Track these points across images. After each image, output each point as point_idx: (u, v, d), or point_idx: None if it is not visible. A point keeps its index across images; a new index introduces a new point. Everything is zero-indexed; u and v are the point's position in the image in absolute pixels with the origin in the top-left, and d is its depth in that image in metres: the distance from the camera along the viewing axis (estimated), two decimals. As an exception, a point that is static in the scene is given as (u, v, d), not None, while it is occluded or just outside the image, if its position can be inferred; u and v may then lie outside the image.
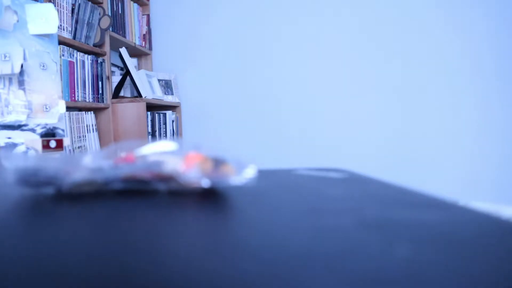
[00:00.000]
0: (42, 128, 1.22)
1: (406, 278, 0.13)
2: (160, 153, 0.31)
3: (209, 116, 2.29)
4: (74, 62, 1.61)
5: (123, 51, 1.93)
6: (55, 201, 0.27)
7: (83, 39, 1.69)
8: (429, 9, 1.97)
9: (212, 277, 0.14)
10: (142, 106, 1.86)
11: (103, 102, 1.82)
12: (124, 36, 2.08)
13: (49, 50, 1.24)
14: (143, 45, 2.28)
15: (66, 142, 1.22)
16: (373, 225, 0.20)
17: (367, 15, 2.05)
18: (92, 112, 1.77)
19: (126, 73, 1.95)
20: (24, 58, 1.16)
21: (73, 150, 1.59)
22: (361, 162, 2.08)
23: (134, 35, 2.18)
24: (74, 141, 1.60)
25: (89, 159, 0.31)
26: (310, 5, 2.12)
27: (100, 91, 1.80)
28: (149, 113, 1.98)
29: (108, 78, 1.85)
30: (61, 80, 1.51)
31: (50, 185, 0.30)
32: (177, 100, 2.28)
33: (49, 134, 1.23)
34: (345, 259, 0.15)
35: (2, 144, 1.11)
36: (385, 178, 2.05)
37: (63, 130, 1.28)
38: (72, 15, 1.63)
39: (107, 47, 1.84)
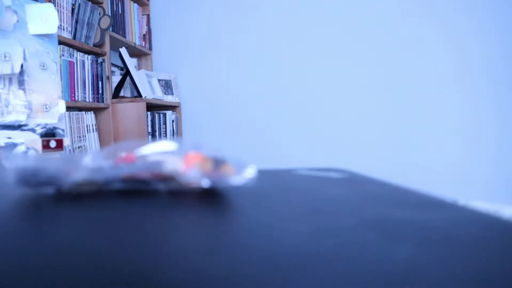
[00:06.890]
0: (42, 128, 1.21)
1: (406, 278, 0.13)
2: (160, 153, 0.31)
3: (209, 116, 2.29)
4: (74, 62, 1.61)
5: (123, 51, 1.93)
6: (55, 201, 0.27)
7: (83, 39, 1.69)
8: (437, 6, 1.97)
9: (211, 277, 0.14)
10: (142, 106, 1.86)
11: (103, 102, 1.82)
12: (124, 36, 2.08)
13: (49, 50, 1.24)
14: (143, 45, 2.28)
15: (66, 142, 1.22)
16: (373, 225, 0.20)
17: (368, 14, 2.05)
18: (92, 112, 1.77)
19: (126, 73, 1.95)
20: (24, 58, 1.16)
21: (73, 150, 1.59)
22: (361, 162, 2.08)
23: (134, 35, 2.18)
24: (74, 141, 1.60)
25: (89, 159, 0.31)
26: (310, 6, 2.12)
27: (100, 91, 1.80)
28: (149, 113, 1.98)
29: (108, 78, 1.85)
30: (61, 80, 1.51)
31: (50, 185, 0.30)
32: (177, 100, 2.28)
33: (49, 134, 1.23)
34: (345, 259, 0.15)
35: (2, 144, 1.11)
36: (385, 178, 2.05)
37: (63, 130, 1.28)
38: (72, 15, 1.63)
39: (107, 47, 1.84)
